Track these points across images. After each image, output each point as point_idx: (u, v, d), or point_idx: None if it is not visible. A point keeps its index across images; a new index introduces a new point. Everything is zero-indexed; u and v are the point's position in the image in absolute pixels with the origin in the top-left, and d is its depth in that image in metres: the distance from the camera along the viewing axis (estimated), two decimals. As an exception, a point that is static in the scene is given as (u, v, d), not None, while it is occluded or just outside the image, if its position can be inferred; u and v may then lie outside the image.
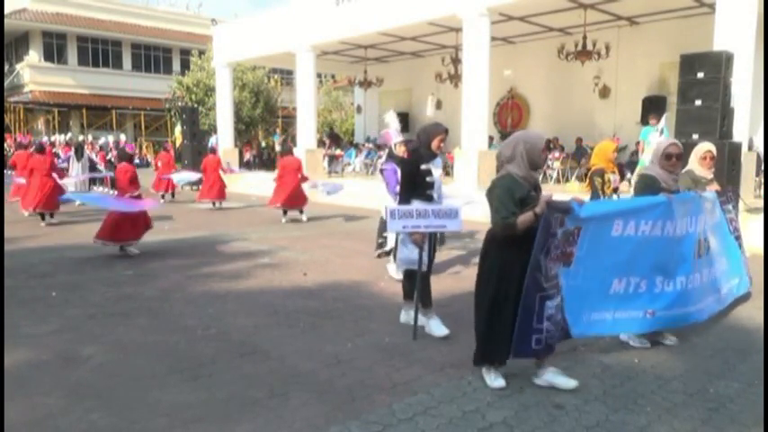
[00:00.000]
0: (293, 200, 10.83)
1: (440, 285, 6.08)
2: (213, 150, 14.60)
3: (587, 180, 6.94)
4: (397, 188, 5.81)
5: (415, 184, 4.53)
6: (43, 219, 10.61)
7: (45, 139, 25.75)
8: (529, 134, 3.52)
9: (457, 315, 5.10)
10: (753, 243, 7.33)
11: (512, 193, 3.34)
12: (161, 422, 3.13)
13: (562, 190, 13.22)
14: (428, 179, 4.55)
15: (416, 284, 4.49)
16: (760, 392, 3.47)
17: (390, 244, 6.29)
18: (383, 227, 6.30)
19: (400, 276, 5.93)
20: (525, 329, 3.37)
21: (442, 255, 7.75)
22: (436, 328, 4.52)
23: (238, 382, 3.64)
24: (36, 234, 9.55)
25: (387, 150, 6.52)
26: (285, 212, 11.14)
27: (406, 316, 4.80)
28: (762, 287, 5.44)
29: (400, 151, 6.12)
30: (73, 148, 15.14)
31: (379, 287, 6.11)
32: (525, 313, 3.35)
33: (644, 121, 13.75)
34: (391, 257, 6.36)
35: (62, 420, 3.15)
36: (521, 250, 3.36)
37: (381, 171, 6.26)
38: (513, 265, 3.38)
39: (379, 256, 6.50)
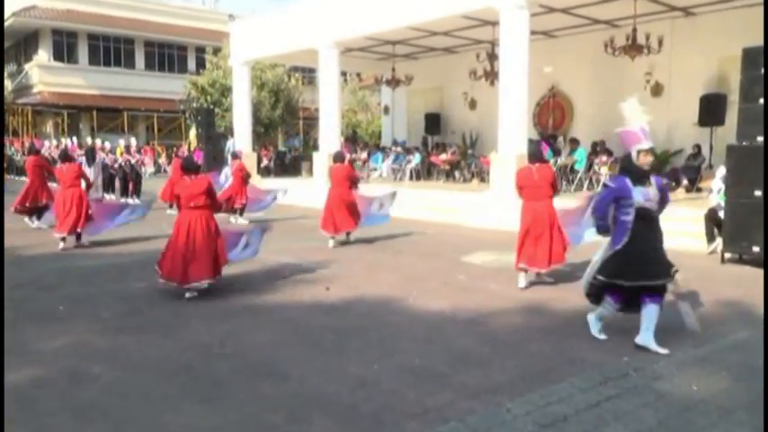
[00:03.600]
0: (343, 224, 9.67)
1: (471, 302, 6.05)
2: (236, 155, 13.95)
3: None
4: (610, 213, 4.69)
5: None
6: (76, 239, 9.43)
7: (55, 141, 26.37)
8: None
9: (492, 335, 5.06)
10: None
11: None
12: (173, 447, 3.17)
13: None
14: None
15: None
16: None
17: (587, 277, 4.92)
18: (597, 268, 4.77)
19: (599, 336, 4.87)
20: None
21: (486, 263, 7.71)
22: None
23: (255, 405, 3.66)
24: (43, 243, 9.76)
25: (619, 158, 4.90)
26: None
27: None
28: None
29: (644, 162, 4.62)
30: (84, 152, 15.32)
31: (408, 303, 6.08)
32: None
33: (702, 121, 13.52)
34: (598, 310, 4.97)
35: (69, 443, 3.21)
36: None
37: (605, 185, 4.97)
38: None
39: (589, 296, 5.02)
